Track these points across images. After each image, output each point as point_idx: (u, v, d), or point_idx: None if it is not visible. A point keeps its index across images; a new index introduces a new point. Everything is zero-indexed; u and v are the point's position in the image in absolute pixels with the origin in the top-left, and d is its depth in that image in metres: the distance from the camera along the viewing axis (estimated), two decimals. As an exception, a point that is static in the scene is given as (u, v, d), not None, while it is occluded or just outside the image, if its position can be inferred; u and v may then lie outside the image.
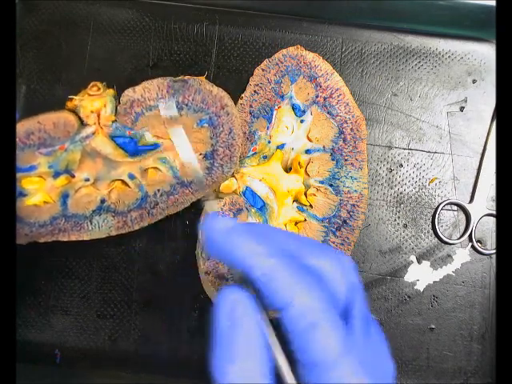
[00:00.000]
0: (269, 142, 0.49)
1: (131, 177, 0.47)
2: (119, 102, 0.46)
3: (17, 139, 0.44)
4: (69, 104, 0.46)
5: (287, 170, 0.49)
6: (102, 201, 0.47)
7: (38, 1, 0.51)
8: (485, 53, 0.52)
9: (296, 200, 0.49)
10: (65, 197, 0.46)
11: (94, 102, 0.46)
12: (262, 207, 0.48)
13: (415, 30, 0.52)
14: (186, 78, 0.46)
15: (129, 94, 0.46)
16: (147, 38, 0.51)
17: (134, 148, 0.47)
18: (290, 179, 0.49)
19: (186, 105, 0.46)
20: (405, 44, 0.52)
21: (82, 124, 0.46)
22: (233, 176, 0.48)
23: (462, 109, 0.51)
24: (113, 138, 0.47)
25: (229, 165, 0.47)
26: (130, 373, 0.49)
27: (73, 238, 0.46)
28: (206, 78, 0.50)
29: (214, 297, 0.48)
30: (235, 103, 0.49)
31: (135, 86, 0.46)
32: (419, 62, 0.52)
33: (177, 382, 0.50)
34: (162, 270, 0.49)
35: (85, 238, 0.47)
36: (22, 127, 0.44)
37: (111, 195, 0.47)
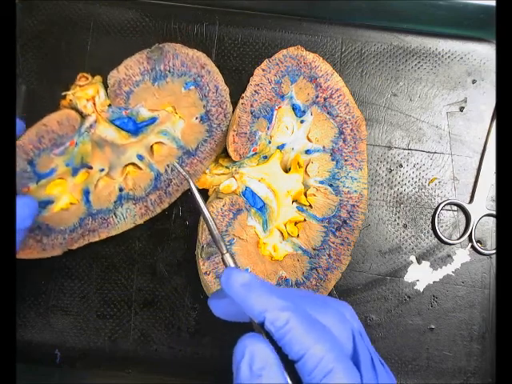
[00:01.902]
0: (269, 143, 0.49)
1: (140, 158, 0.48)
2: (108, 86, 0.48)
3: (31, 146, 0.45)
4: (64, 101, 0.47)
5: (287, 170, 0.49)
6: (120, 189, 0.48)
7: (38, 1, 0.51)
8: (485, 53, 0.52)
9: (296, 200, 0.49)
10: (86, 194, 0.47)
11: (87, 90, 0.47)
12: (262, 207, 0.48)
13: (415, 30, 0.52)
14: (161, 45, 0.48)
15: (113, 75, 0.47)
16: (147, 38, 0.51)
17: (134, 126, 0.48)
18: (290, 179, 0.49)
19: (169, 71, 0.48)
20: (404, 44, 0.52)
21: (83, 116, 0.47)
22: (233, 176, 0.48)
23: (461, 109, 0.51)
24: (112, 121, 0.48)
25: (225, 121, 0.48)
26: (130, 373, 0.49)
27: (103, 237, 0.47)
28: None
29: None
30: (235, 103, 0.50)
31: (117, 67, 0.47)
32: (419, 62, 0.52)
33: (177, 381, 0.50)
34: (161, 270, 0.49)
35: (113, 234, 0.48)
36: (32, 134, 0.45)
37: (127, 182, 0.48)
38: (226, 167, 0.48)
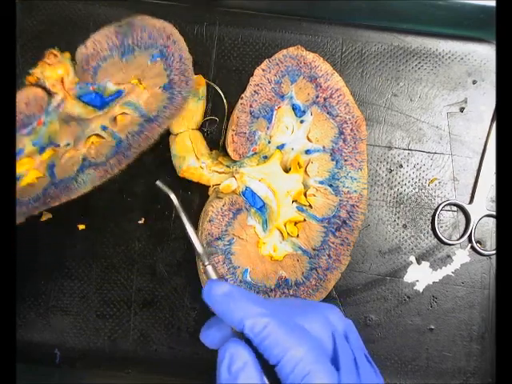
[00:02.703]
0: (269, 142, 0.49)
1: (104, 128, 0.48)
2: (76, 63, 0.48)
3: None
4: (30, 78, 0.47)
5: (287, 170, 0.49)
6: (84, 159, 0.47)
7: (38, 1, 0.51)
8: (485, 53, 0.52)
9: (295, 200, 0.49)
10: (52, 167, 0.47)
11: (57, 69, 0.48)
12: (262, 207, 0.48)
13: (415, 31, 0.52)
14: (130, 19, 0.48)
15: (81, 51, 0.48)
16: (147, 38, 0.51)
17: (100, 101, 0.49)
18: (290, 179, 0.48)
19: (137, 45, 0.48)
20: (405, 44, 0.52)
21: (50, 94, 0.47)
22: (233, 176, 0.48)
23: (461, 109, 0.51)
24: (79, 97, 0.48)
25: (187, 88, 0.48)
26: (130, 373, 0.49)
27: (63, 200, 0.46)
28: (206, 78, 0.50)
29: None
30: (235, 103, 0.50)
31: (85, 42, 0.48)
32: (419, 62, 0.52)
33: (177, 381, 0.50)
34: (161, 270, 0.49)
35: (72, 197, 0.46)
36: None
37: (90, 151, 0.48)
38: (227, 166, 0.48)
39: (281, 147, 0.49)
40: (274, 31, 0.52)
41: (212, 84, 0.51)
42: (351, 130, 0.49)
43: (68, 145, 0.48)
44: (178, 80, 0.48)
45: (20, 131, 0.47)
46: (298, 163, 0.49)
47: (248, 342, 0.31)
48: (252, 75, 0.49)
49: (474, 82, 0.52)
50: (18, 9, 0.51)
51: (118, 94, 0.49)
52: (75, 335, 0.49)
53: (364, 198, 0.48)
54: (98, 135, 0.48)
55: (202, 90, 0.50)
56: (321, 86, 0.49)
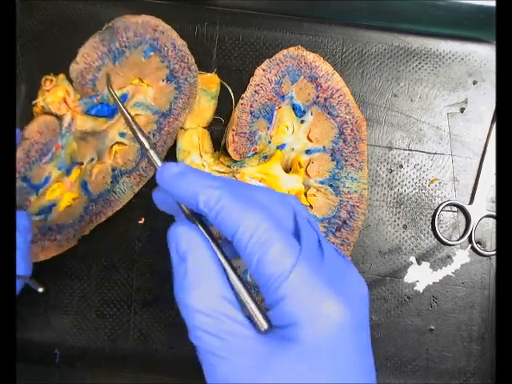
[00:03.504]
0: (269, 143, 0.49)
1: (122, 135, 0.49)
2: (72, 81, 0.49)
3: (20, 163, 0.47)
4: (36, 109, 0.48)
5: (287, 170, 0.49)
6: (113, 169, 0.48)
7: (38, 1, 0.51)
8: (485, 54, 0.52)
9: (296, 200, 0.49)
10: (84, 185, 0.48)
11: (57, 92, 0.48)
12: (262, 208, 0.48)
13: (416, 31, 0.52)
14: (110, 23, 0.48)
15: (74, 67, 0.48)
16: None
17: (108, 110, 0.49)
18: (290, 179, 0.48)
19: (125, 46, 0.48)
20: (405, 45, 0.52)
21: (58, 117, 0.48)
22: (233, 176, 0.48)
23: (462, 110, 0.51)
24: (87, 112, 0.49)
25: (191, 74, 0.48)
26: (130, 372, 0.49)
27: (109, 214, 0.48)
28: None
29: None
30: (236, 103, 0.50)
31: (75, 58, 0.48)
32: (419, 62, 0.52)
33: (176, 381, 0.50)
34: (161, 269, 0.49)
35: (118, 208, 0.48)
36: (19, 152, 0.47)
37: (117, 160, 0.48)
38: (228, 166, 0.48)
39: (281, 147, 0.49)
40: (275, 31, 0.52)
41: (225, 84, 0.51)
42: (351, 130, 0.49)
43: (92, 160, 0.49)
44: (179, 68, 0.48)
45: (42, 161, 0.48)
46: (299, 163, 0.49)
47: (200, 221, 0.29)
48: (252, 75, 0.49)
49: (475, 83, 0.51)
50: (18, 9, 0.51)
51: (123, 98, 0.49)
52: (75, 335, 0.49)
53: (364, 199, 0.48)
54: (118, 143, 0.49)
55: (216, 89, 0.50)
56: (321, 86, 0.49)
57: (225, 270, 0.28)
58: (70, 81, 0.49)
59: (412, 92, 0.51)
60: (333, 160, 0.49)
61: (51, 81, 0.48)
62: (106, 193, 0.48)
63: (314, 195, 0.48)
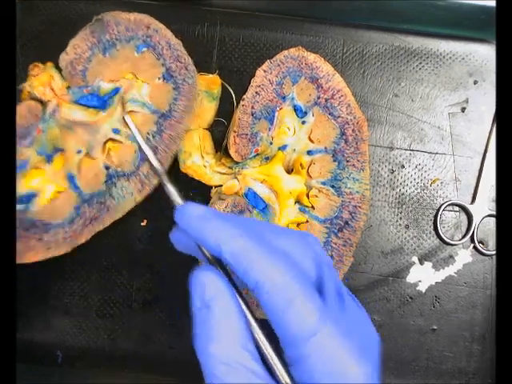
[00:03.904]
0: (271, 144, 0.49)
1: (116, 131, 0.47)
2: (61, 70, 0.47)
3: None
4: (22, 95, 0.47)
5: (289, 171, 0.49)
6: (107, 167, 0.47)
7: (38, 1, 0.51)
8: (485, 53, 0.52)
9: (298, 201, 0.49)
10: (71, 179, 0.46)
11: (41, 78, 0.47)
12: (264, 208, 0.48)
13: (416, 31, 0.52)
14: (99, 16, 0.47)
15: (64, 57, 0.47)
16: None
17: (99, 101, 0.47)
18: (292, 180, 0.48)
19: (116, 39, 0.47)
20: (406, 45, 0.52)
21: (43, 104, 0.47)
22: (235, 177, 0.48)
23: (463, 109, 0.51)
24: (76, 102, 0.47)
25: (189, 74, 0.47)
26: (130, 372, 0.49)
27: (108, 223, 0.46)
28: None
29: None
30: (237, 105, 0.49)
31: (66, 49, 0.47)
32: (420, 62, 0.52)
33: (177, 381, 0.50)
34: (161, 269, 0.49)
35: (117, 217, 0.46)
36: None
37: (111, 159, 0.47)
38: (229, 167, 0.48)
39: (283, 148, 0.49)
40: (276, 32, 0.52)
41: (227, 85, 0.51)
42: (353, 130, 0.49)
43: (79, 152, 0.47)
44: (175, 67, 0.47)
45: (20, 143, 0.46)
46: (301, 164, 0.48)
47: (222, 267, 0.29)
48: (253, 76, 0.49)
49: (475, 82, 0.52)
50: (18, 9, 0.51)
51: (116, 91, 0.48)
52: (75, 335, 0.49)
53: (366, 199, 0.48)
54: (113, 140, 0.47)
55: (218, 91, 0.50)
56: (322, 87, 0.49)
57: (247, 320, 0.28)
58: (60, 70, 0.48)
59: (413, 92, 0.51)
60: (334, 161, 0.49)
61: (38, 67, 0.47)
62: (101, 195, 0.46)
63: (316, 196, 0.48)
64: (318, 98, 0.49)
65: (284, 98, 0.49)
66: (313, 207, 0.48)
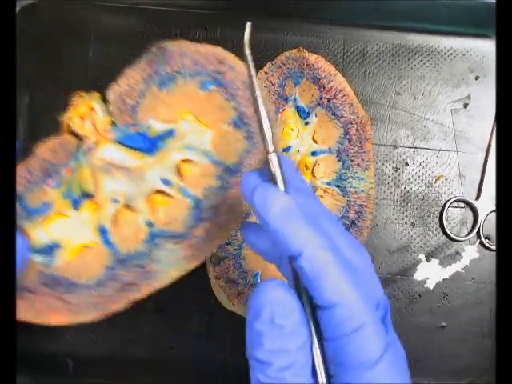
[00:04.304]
0: (274, 145, 0.49)
1: (166, 182, 0.38)
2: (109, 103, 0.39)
3: (18, 179, 0.38)
4: (61, 128, 0.40)
5: (294, 172, 0.49)
6: (149, 224, 0.38)
7: (38, 9, 0.51)
8: (486, 49, 0.52)
9: (303, 202, 0.49)
10: (103, 233, 0.38)
11: (82, 109, 0.39)
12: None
13: (416, 29, 0.52)
14: (162, 44, 0.39)
15: (114, 89, 0.39)
16: (148, 44, 0.51)
17: (147, 143, 0.39)
18: (297, 181, 0.48)
19: (178, 72, 0.38)
20: (406, 43, 0.52)
21: (81, 139, 0.39)
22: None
23: (465, 106, 0.51)
24: (119, 142, 0.39)
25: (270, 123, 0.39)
26: (142, 381, 0.49)
27: (146, 292, 0.37)
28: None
29: (224, 302, 0.47)
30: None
31: (117, 80, 0.39)
32: (421, 60, 0.52)
33: (177, 381, 0.50)
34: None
35: (159, 287, 0.37)
36: (22, 166, 0.38)
37: (157, 215, 0.38)
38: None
39: (287, 150, 0.49)
40: (276, 33, 0.52)
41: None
42: (356, 130, 0.49)
43: (115, 201, 0.38)
44: (251, 113, 0.37)
45: (46, 182, 0.38)
46: (305, 165, 0.48)
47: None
48: (255, 78, 0.49)
49: (477, 78, 0.52)
50: (18, 17, 0.50)
51: (170, 133, 0.38)
52: (87, 343, 0.48)
53: (372, 198, 0.48)
54: (161, 193, 0.38)
55: None
56: (324, 87, 0.49)
57: (311, 340, 0.27)
58: (107, 103, 0.39)
59: (415, 89, 0.51)
60: (339, 160, 0.49)
61: (81, 96, 0.40)
62: (141, 256, 0.37)
63: (322, 196, 0.48)
64: (321, 98, 0.49)
65: (286, 99, 0.49)
66: (319, 208, 0.48)
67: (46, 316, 0.36)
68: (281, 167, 0.28)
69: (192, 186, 0.38)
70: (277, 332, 0.26)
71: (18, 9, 0.51)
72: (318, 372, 0.27)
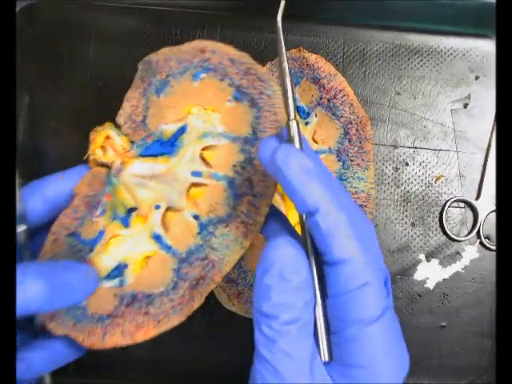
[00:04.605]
0: (274, 145, 0.49)
1: (197, 174, 0.39)
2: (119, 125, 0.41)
3: (68, 220, 0.40)
4: (90, 164, 0.42)
5: (294, 172, 0.49)
6: (196, 217, 0.38)
7: (38, 10, 0.51)
8: (486, 49, 0.52)
9: (303, 202, 0.49)
10: (159, 239, 0.39)
11: (97, 140, 0.41)
12: (270, 210, 0.48)
13: (416, 29, 0.52)
14: (146, 58, 0.41)
15: (121, 113, 0.41)
16: (148, 44, 0.51)
17: (165, 146, 0.40)
18: (297, 181, 0.48)
19: (169, 75, 0.40)
20: (406, 43, 0.52)
21: (109, 167, 0.41)
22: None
23: (465, 105, 0.51)
24: (141, 155, 0.41)
25: (265, 84, 0.39)
26: (143, 382, 0.49)
27: (218, 279, 0.37)
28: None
29: (224, 302, 0.47)
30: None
31: (122, 106, 0.41)
32: (421, 60, 0.52)
33: (177, 381, 0.50)
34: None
35: (228, 270, 0.37)
36: (69, 209, 0.40)
37: (199, 206, 0.39)
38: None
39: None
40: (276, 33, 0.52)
41: None
42: (356, 130, 0.49)
43: (158, 207, 0.39)
44: (246, 83, 0.39)
45: (93, 216, 0.40)
46: (305, 165, 0.49)
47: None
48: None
49: (477, 78, 0.52)
50: (18, 19, 0.51)
51: (182, 130, 0.40)
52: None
53: (372, 198, 0.48)
54: (196, 184, 0.39)
55: None
56: (324, 87, 0.49)
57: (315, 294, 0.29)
58: (118, 127, 0.41)
59: (415, 89, 0.52)
60: (339, 161, 0.49)
61: (96, 131, 0.41)
62: (200, 249, 0.38)
63: (322, 196, 0.48)
64: (321, 98, 0.49)
65: (286, 99, 0.49)
66: (319, 208, 0.48)
67: (134, 335, 0.37)
68: (299, 132, 0.30)
69: (220, 169, 0.39)
70: (285, 286, 0.27)
71: (18, 9, 0.51)
72: (319, 329, 0.28)
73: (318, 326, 0.28)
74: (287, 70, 0.31)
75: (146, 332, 0.37)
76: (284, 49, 0.32)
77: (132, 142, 0.41)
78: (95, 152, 0.40)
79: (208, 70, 0.40)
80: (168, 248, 0.39)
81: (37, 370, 0.36)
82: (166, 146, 0.40)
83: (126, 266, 0.39)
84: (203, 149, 0.39)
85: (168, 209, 0.39)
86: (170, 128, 0.40)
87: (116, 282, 0.38)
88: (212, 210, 0.38)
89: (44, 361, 0.36)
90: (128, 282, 0.38)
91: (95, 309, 0.37)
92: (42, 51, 0.51)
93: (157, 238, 0.39)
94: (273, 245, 0.28)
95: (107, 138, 0.40)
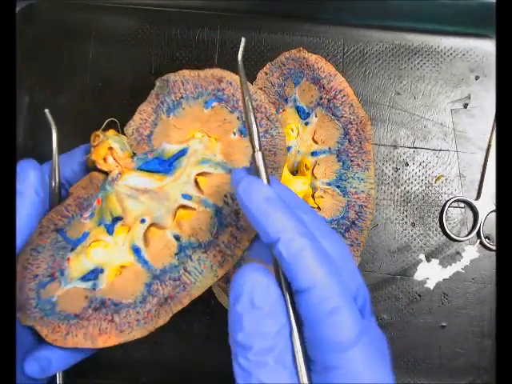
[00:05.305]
0: (274, 145, 0.49)
1: (187, 197, 0.41)
2: (124, 133, 0.43)
3: (58, 217, 0.40)
4: (89, 164, 0.43)
5: (294, 172, 0.49)
6: (177, 237, 0.40)
7: (38, 10, 0.51)
8: (486, 49, 0.52)
9: (303, 202, 0.49)
10: (137, 252, 0.40)
11: (99, 150, 0.42)
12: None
13: (416, 29, 0.52)
14: (165, 77, 0.43)
15: (130, 125, 0.43)
16: (148, 44, 0.51)
17: (162, 165, 0.42)
18: (297, 182, 0.48)
19: (182, 97, 0.42)
20: (406, 43, 0.52)
21: (107, 173, 0.42)
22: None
23: (465, 105, 0.51)
24: (139, 169, 0.42)
25: (272, 125, 0.41)
26: (142, 380, 0.49)
27: (186, 302, 0.39)
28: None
29: (224, 302, 0.47)
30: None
31: (133, 117, 0.43)
32: (421, 60, 0.52)
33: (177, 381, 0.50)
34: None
35: (198, 294, 0.39)
36: (61, 207, 0.41)
37: (182, 228, 0.40)
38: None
39: (287, 150, 0.49)
40: (276, 34, 0.52)
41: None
42: (356, 130, 0.49)
43: (143, 221, 0.41)
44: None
45: (81, 217, 0.41)
46: (305, 165, 0.48)
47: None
48: (255, 79, 0.49)
49: (477, 78, 0.52)
50: (18, 19, 0.51)
51: (182, 152, 0.42)
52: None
53: (372, 198, 0.48)
54: (184, 207, 0.41)
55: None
56: (324, 88, 0.49)
57: (290, 321, 0.28)
58: (121, 134, 0.43)
59: (415, 89, 0.52)
60: (339, 161, 0.49)
61: (98, 136, 0.42)
62: (173, 269, 0.39)
63: (322, 197, 0.48)
64: (321, 98, 0.49)
65: (286, 99, 0.49)
66: (319, 208, 0.48)
67: (95, 340, 0.38)
68: (265, 164, 0.31)
69: (211, 197, 0.40)
70: (256, 314, 0.27)
71: (18, 9, 0.51)
72: (297, 357, 0.28)
73: (296, 354, 0.28)
74: (251, 106, 0.32)
75: (108, 339, 0.38)
76: (247, 85, 0.33)
77: (134, 154, 0.42)
78: (97, 161, 0.41)
79: (220, 100, 0.42)
80: (144, 262, 0.40)
81: (53, 369, 0.37)
82: (165, 165, 0.42)
83: (102, 270, 0.40)
84: (199, 174, 0.41)
85: (152, 224, 0.41)
86: (172, 148, 0.42)
87: (89, 284, 0.39)
88: (194, 234, 0.40)
89: (59, 359, 0.37)
90: (101, 286, 0.39)
91: (64, 306, 0.38)
92: (42, 51, 0.51)
93: (136, 251, 0.40)
94: (241, 272, 0.28)
95: (110, 149, 0.41)
